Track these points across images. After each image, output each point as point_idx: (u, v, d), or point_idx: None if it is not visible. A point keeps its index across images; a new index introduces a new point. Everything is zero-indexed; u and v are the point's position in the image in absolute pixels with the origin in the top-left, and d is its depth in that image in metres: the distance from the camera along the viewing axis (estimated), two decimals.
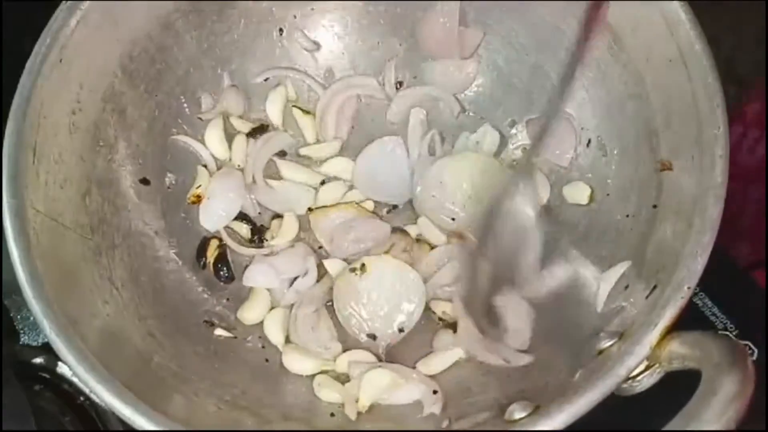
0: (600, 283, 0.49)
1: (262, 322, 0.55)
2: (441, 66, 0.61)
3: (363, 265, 0.55)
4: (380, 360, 0.53)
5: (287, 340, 0.55)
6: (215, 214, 0.58)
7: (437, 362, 0.52)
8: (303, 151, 0.62)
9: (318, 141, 0.62)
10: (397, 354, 0.54)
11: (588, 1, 0.42)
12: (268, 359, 0.54)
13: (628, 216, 0.52)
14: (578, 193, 0.56)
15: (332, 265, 0.57)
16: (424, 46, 0.61)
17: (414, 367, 0.52)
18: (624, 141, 0.54)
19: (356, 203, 0.59)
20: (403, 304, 0.54)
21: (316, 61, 0.63)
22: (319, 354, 0.54)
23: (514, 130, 0.61)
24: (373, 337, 0.54)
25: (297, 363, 0.53)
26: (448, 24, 0.59)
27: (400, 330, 0.54)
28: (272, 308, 0.56)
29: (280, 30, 0.61)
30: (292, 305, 0.56)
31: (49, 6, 0.49)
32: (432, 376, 0.51)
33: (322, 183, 0.61)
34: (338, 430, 0.49)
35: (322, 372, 0.53)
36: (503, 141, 0.61)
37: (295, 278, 0.57)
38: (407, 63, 0.62)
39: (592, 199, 0.56)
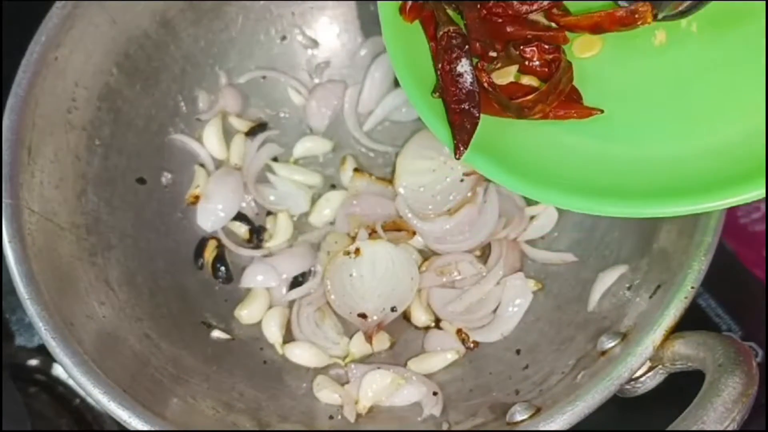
0: (594, 284, 0.49)
1: (259, 323, 0.55)
2: None
3: (357, 249, 0.55)
4: (370, 338, 0.53)
5: (285, 339, 0.54)
6: (213, 214, 0.58)
7: (431, 362, 0.52)
8: (297, 153, 0.61)
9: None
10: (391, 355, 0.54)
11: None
12: (266, 361, 0.54)
13: None
14: None
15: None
16: None
17: (405, 365, 0.52)
18: None
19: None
20: (396, 285, 0.54)
21: (314, 58, 0.63)
22: (326, 349, 0.54)
23: None
24: (363, 316, 0.54)
25: (302, 353, 0.53)
26: None
27: (393, 309, 0.54)
28: (271, 307, 0.56)
29: (280, 32, 0.61)
30: (292, 304, 0.56)
31: (49, 6, 0.49)
32: (428, 376, 0.51)
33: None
34: (338, 431, 0.49)
35: (326, 367, 0.53)
36: None
37: (295, 278, 0.57)
38: None
39: None
